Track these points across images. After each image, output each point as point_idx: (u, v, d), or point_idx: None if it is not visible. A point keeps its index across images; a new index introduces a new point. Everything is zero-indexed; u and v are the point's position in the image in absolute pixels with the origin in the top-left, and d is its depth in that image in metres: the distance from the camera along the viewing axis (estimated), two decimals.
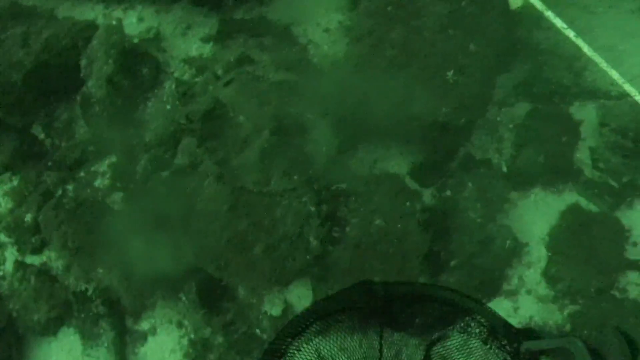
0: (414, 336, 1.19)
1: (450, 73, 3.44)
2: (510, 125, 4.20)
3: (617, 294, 4.03)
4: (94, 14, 3.88)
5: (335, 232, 3.53)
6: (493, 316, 1.21)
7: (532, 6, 3.65)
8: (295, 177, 3.46)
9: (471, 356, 1.26)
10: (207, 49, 3.80)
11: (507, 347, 1.26)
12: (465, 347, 1.25)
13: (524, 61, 4.26)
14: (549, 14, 3.49)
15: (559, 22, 3.49)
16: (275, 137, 3.40)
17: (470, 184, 3.95)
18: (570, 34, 3.50)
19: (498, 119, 4.21)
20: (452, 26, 3.48)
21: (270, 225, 3.35)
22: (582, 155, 4.22)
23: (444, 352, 1.23)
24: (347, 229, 3.51)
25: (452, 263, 3.87)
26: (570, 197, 4.20)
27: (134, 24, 3.85)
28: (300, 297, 3.68)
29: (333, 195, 3.53)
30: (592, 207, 4.13)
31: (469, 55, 3.49)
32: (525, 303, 4.00)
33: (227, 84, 3.42)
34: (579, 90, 4.28)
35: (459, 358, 1.22)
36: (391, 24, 3.46)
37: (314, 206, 3.44)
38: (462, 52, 3.47)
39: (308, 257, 3.37)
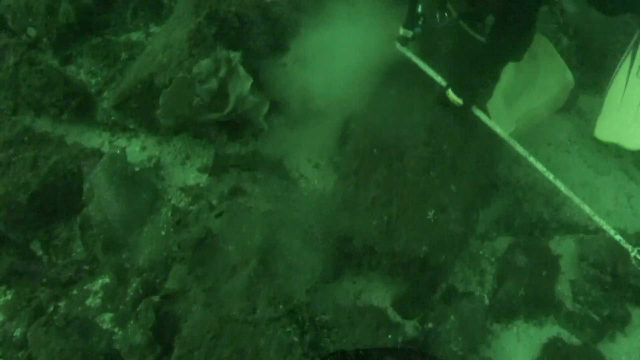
0: None
1: (431, 212, 3.64)
2: (492, 259, 4.35)
3: None
4: (101, 140, 4.14)
5: None
6: None
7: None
8: (281, 307, 3.58)
9: None
10: (203, 179, 4.02)
11: None
12: None
13: (504, 196, 4.47)
14: (525, 153, 3.74)
15: (534, 162, 3.73)
16: (262, 267, 3.55)
17: (452, 317, 4.05)
18: (548, 173, 3.74)
19: (480, 252, 4.36)
20: (433, 168, 3.71)
21: (254, 355, 3.44)
22: (562, 288, 4.35)
23: None
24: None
25: None
26: (552, 329, 4.28)
27: (137, 152, 4.10)
28: None
29: (316, 326, 3.64)
30: (574, 340, 4.20)
31: (449, 194, 3.70)
32: None
33: (218, 215, 3.61)
34: (557, 225, 4.46)
35: None
36: (376, 165, 3.70)
37: (297, 337, 3.54)
38: (443, 192, 3.68)
39: None
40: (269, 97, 3.92)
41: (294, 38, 4.15)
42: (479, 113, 3.80)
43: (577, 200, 3.70)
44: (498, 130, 3.74)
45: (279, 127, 4.13)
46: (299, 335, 3.53)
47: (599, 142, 4.28)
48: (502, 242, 4.39)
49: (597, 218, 3.66)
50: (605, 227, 3.65)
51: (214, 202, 3.88)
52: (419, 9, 3.78)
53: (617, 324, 4.24)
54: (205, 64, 3.51)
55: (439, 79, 3.82)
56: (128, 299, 3.68)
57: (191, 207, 3.97)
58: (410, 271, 3.68)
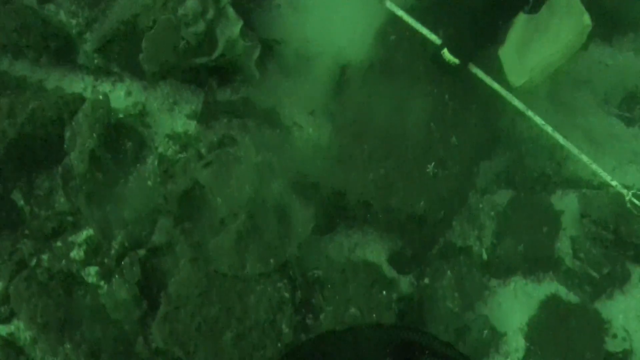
0: None
1: (430, 166, 3.46)
2: (492, 213, 4.22)
3: None
4: (83, 84, 3.91)
5: (309, 319, 3.50)
6: None
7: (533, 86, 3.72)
8: (271, 262, 3.45)
9: None
10: (192, 127, 3.82)
11: None
12: None
13: (506, 150, 4.30)
14: (523, 107, 3.55)
15: (532, 116, 3.55)
16: (251, 221, 3.39)
17: (449, 272, 3.95)
18: (546, 126, 3.56)
19: (480, 206, 4.22)
20: (434, 120, 3.51)
21: (242, 312, 3.32)
22: (562, 245, 4.24)
23: None
24: (321, 317, 3.48)
25: (427, 353, 3.81)
26: (550, 286, 4.19)
27: (122, 97, 3.88)
28: None
29: (308, 282, 3.52)
30: (572, 297, 4.12)
31: (450, 148, 3.52)
32: None
33: (206, 165, 3.43)
34: (560, 180, 4.33)
35: None
36: (373, 116, 3.49)
37: (288, 293, 3.42)
38: (443, 145, 3.50)
39: (279, 345, 3.32)
40: (261, 41, 3.66)
41: None
42: (476, 71, 3.56)
43: (575, 150, 3.53)
44: (496, 86, 3.51)
45: (271, 73, 3.91)
46: (290, 291, 3.41)
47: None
48: (503, 197, 4.25)
49: (593, 165, 3.51)
50: (601, 173, 3.51)
51: (203, 150, 3.71)
52: None
53: (617, 282, 4.15)
54: (191, 5, 3.26)
55: (433, 37, 3.57)
56: (113, 252, 3.55)
57: (179, 156, 3.79)
58: (407, 227, 3.54)
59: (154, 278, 3.51)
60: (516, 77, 3.60)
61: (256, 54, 3.51)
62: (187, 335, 3.22)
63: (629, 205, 3.59)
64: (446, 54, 3.49)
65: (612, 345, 4.06)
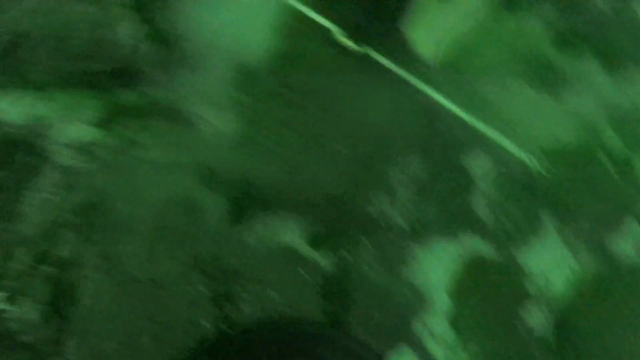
0: None
1: (338, 144, 3.43)
2: (407, 180, 4.23)
3: (522, 331, 4.11)
4: None
5: (231, 311, 3.46)
6: None
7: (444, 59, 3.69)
8: (185, 259, 3.37)
9: None
10: (93, 134, 3.66)
11: None
12: None
13: (417, 117, 4.31)
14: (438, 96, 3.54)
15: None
16: (160, 222, 3.30)
17: (369, 245, 3.96)
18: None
19: (394, 175, 4.23)
20: (339, 98, 3.47)
21: (162, 315, 3.25)
22: (478, 203, 4.30)
23: None
24: (243, 307, 3.44)
25: (356, 325, 3.85)
26: (470, 244, 4.27)
27: (10, 109, 3.68)
28: None
29: (226, 274, 3.46)
30: (492, 252, 4.21)
31: (358, 124, 3.49)
32: (433, 351, 4.02)
33: (110, 172, 3.31)
34: (471, 141, 4.36)
35: None
36: (277, 101, 3.43)
37: (205, 288, 3.36)
38: (350, 122, 3.47)
39: (202, 342, 3.28)
40: (161, 38, 3.52)
41: None
42: (378, 57, 3.52)
43: (467, 118, 3.56)
44: (402, 72, 3.48)
45: (174, 69, 3.77)
46: (207, 286, 3.35)
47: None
48: (415, 163, 4.26)
49: (505, 141, 3.54)
50: (513, 149, 3.55)
51: (108, 157, 3.55)
52: None
53: (533, 232, 4.25)
54: (79, 7, 3.07)
55: (328, 24, 3.50)
56: (15, 273, 3.37)
57: (82, 166, 3.63)
58: (321, 207, 3.51)
59: (64, 294, 3.38)
60: (426, 52, 3.58)
61: (152, 52, 3.36)
62: (104, 347, 3.13)
63: (534, 170, 3.62)
64: (344, 40, 3.38)
65: (534, 291, 4.17)
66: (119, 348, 3.17)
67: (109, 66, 3.59)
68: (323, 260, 3.90)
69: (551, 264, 4.29)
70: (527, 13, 4.72)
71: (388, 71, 3.59)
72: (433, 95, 3.51)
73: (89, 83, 3.73)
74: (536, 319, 4.17)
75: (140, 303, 3.28)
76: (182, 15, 3.89)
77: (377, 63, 3.60)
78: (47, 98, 3.84)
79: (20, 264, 3.37)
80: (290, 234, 3.90)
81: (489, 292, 4.09)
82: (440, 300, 4.14)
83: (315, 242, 3.87)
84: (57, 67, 3.49)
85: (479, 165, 4.42)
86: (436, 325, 4.07)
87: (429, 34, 3.75)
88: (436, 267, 4.22)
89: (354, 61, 3.62)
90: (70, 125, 3.81)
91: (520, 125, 4.34)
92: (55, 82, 3.63)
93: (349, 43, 3.46)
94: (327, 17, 3.59)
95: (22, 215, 3.41)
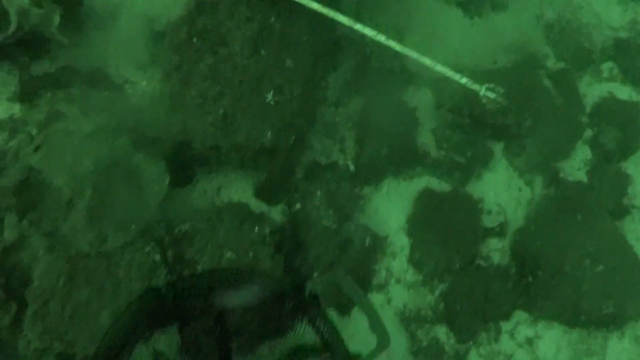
0: None
1: (269, 95, 3.36)
2: (349, 124, 4.21)
3: (481, 262, 4.18)
4: None
5: (186, 275, 3.43)
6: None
7: None
8: (133, 227, 3.31)
9: None
10: (15, 109, 3.52)
11: None
12: None
13: (350, 56, 4.25)
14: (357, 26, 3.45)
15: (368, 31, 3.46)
16: (100, 193, 3.22)
17: (319, 192, 3.95)
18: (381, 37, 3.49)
19: (336, 119, 4.20)
20: (263, 46, 3.38)
21: (115, 288, 3.20)
22: (424, 139, 4.32)
23: None
24: (198, 269, 3.41)
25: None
26: (421, 181, 4.30)
27: None
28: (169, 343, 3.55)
29: (176, 238, 3.42)
30: (444, 186, 4.25)
31: (286, 71, 3.42)
32: (396, 293, 4.08)
33: (37, 148, 3.19)
34: (409, 77, 4.33)
35: None
36: (198, 55, 3.32)
37: (158, 254, 3.31)
38: (278, 70, 3.39)
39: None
40: (62, 1, 3.36)
41: None
42: None
43: (415, 55, 3.50)
44: (316, 6, 3.37)
45: (87, 32, 3.61)
46: (160, 252, 3.30)
47: None
48: (356, 105, 4.24)
49: (438, 66, 3.50)
50: (448, 73, 3.51)
51: (34, 132, 3.42)
52: None
53: (482, 162, 4.29)
54: None
55: None
56: None
57: (10, 144, 3.49)
58: (262, 160, 3.46)
59: (16, 278, 3.30)
60: None
61: (56, 20, 3.22)
62: (63, 327, 3.08)
63: (484, 101, 3.60)
64: None
65: (489, 221, 4.23)
66: (77, 327, 3.12)
67: (6, 39, 3.41)
68: (274, 212, 3.87)
69: (503, 190, 4.34)
70: None
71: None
72: (361, 29, 3.42)
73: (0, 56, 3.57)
74: (493, 249, 4.24)
75: (92, 279, 3.22)
76: None
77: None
78: None
79: None
80: (239, 190, 3.85)
81: (446, 227, 4.12)
82: (400, 243, 4.18)
83: (264, 195, 3.83)
84: None
85: (419, 100, 4.41)
86: (398, 269, 4.11)
87: None
88: (391, 208, 4.24)
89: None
90: None
91: (456, 53, 4.32)
92: None
93: None
94: None
95: None
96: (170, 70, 3.32)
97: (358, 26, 3.32)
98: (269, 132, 3.30)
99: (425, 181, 4.27)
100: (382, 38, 3.37)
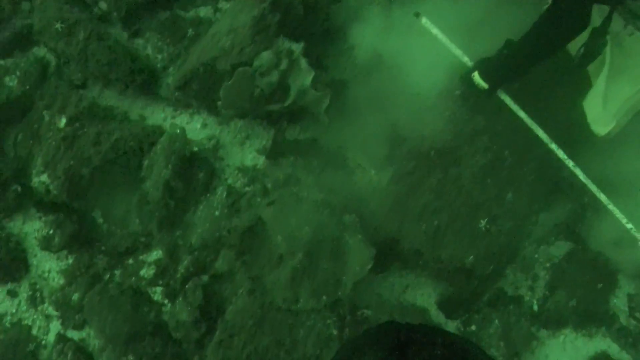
0: None
1: (483, 222, 3.55)
2: (547, 264, 4.23)
3: None
4: (163, 115, 4.22)
5: None
6: None
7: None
8: (324, 298, 3.63)
9: None
10: (260, 161, 4.05)
11: None
12: None
13: (568, 201, 4.29)
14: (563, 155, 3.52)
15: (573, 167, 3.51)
16: (307, 259, 3.59)
17: (496, 321, 4.01)
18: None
19: (535, 256, 4.25)
20: (491, 176, 3.59)
21: (292, 345, 3.52)
22: (619, 302, 4.21)
23: None
24: None
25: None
26: (602, 343, 4.18)
27: (197, 129, 4.16)
28: None
29: (357, 320, 3.68)
30: (624, 356, 4.09)
31: (505, 204, 3.59)
32: None
33: (270, 203, 3.65)
34: (620, 236, 4.26)
35: None
36: (431, 168, 3.62)
37: (336, 330, 3.59)
38: (498, 201, 3.58)
39: None
40: (331, 85, 3.85)
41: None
42: (504, 97, 3.49)
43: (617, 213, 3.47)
44: (522, 114, 3.49)
45: (340, 114, 4.07)
46: (339, 328, 3.57)
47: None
48: (560, 249, 4.25)
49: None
50: None
51: (269, 186, 3.92)
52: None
53: None
54: (266, 56, 3.48)
55: (465, 59, 3.53)
56: (178, 275, 3.81)
57: (246, 189, 4.02)
58: (456, 278, 3.64)
59: (214, 303, 3.76)
60: (601, 126, 3.55)
61: (326, 102, 3.69)
62: None
63: None
64: (476, 77, 3.41)
65: None
66: None
67: (280, 108, 3.94)
68: (450, 326, 4.00)
69: None
70: None
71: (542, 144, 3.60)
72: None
73: (263, 114, 4.12)
74: None
75: (276, 330, 3.58)
76: (354, 60, 4.16)
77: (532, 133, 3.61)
78: (226, 123, 4.29)
79: (183, 268, 3.80)
80: (424, 295, 4.05)
81: None
82: None
83: (446, 307, 3.99)
84: (241, 105, 3.89)
85: (625, 262, 4.30)
86: None
87: (603, 106, 3.70)
88: (561, 358, 4.16)
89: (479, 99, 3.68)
90: (243, 151, 4.23)
91: None
92: (238, 116, 4.05)
93: (478, 80, 3.46)
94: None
95: (194, 226, 3.84)
96: (402, 173, 3.63)
97: (561, 154, 3.39)
98: (472, 256, 3.47)
99: (605, 344, 4.14)
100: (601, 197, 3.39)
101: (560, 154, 3.43)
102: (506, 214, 3.53)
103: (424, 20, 3.61)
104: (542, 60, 3.26)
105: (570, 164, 3.44)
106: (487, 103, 3.55)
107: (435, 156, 3.60)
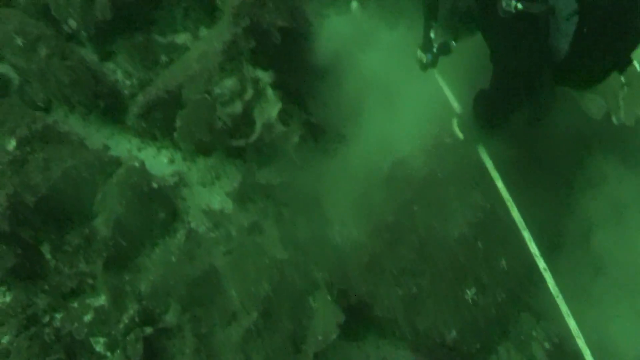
0: None
1: (470, 291, 3.03)
2: (547, 344, 3.71)
3: None
4: (129, 146, 3.83)
5: None
6: None
7: None
8: None
9: None
10: (229, 205, 3.62)
11: None
12: None
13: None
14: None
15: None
16: (263, 320, 3.10)
17: None
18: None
19: (533, 333, 3.73)
20: (481, 238, 3.09)
21: None
22: None
23: None
24: None
25: None
26: None
27: (164, 164, 3.76)
28: None
29: None
30: None
31: (497, 272, 3.08)
32: None
33: (228, 252, 3.19)
34: None
35: None
36: (414, 222, 3.13)
37: None
38: (489, 269, 3.07)
39: None
40: (305, 123, 3.41)
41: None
42: (481, 150, 3.15)
43: None
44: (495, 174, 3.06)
45: (317, 160, 3.63)
46: None
47: None
48: (562, 326, 3.70)
49: None
50: None
51: (233, 234, 3.46)
52: (432, 35, 3.12)
53: None
54: (229, 84, 3.06)
55: (455, 104, 3.21)
56: (121, 325, 3.34)
57: (211, 234, 3.57)
58: (437, 355, 3.10)
59: (158, 359, 3.27)
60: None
61: (294, 139, 3.26)
62: None
63: None
64: (454, 126, 3.17)
65: None
66: None
67: (244, 144, 3.51)
68: None
69: None
70: None
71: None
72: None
73: (235, 152, 3.69)
74: None
75: None
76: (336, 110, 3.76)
77: None
78: (196, 159, 3.87)
79: (128, 318, 3.33)
80: None
81: None
82: None
83: None
84: (200, 139, 3.49)
85: None
86: None
87: None
88: None
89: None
90: (210, 192, 3.79)
91: None
92: (199, 151, 3.64)
93: (455, 128, 3.18)
94: None
95: (146, 270, 3.38)
96: (380, 227, 3.14)
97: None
98: (454, 331, 2.94)
99: None
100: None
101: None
102: (498, 284, 3.01)
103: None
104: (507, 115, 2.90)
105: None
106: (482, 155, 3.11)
107: (419, 210, 3.11)
